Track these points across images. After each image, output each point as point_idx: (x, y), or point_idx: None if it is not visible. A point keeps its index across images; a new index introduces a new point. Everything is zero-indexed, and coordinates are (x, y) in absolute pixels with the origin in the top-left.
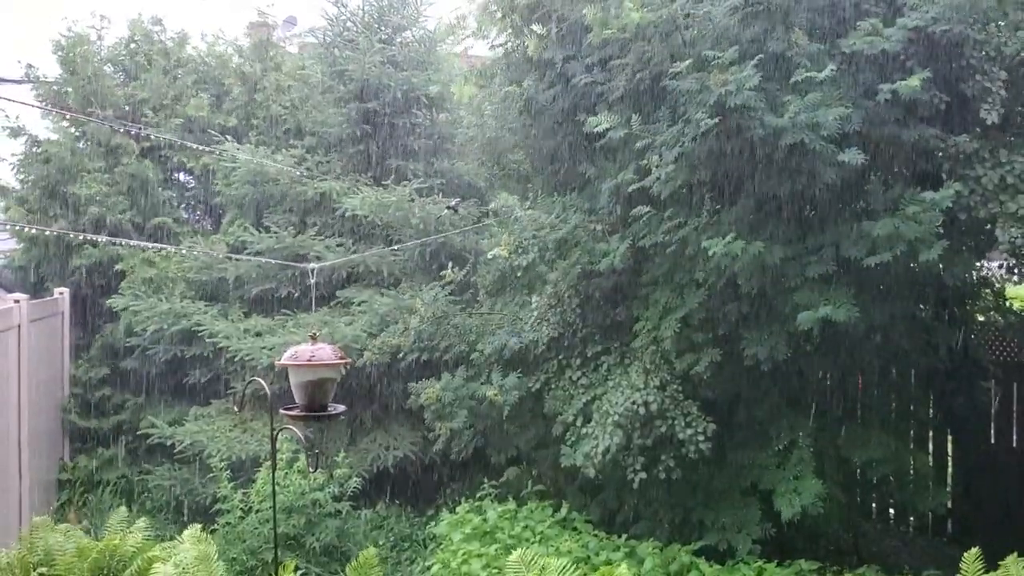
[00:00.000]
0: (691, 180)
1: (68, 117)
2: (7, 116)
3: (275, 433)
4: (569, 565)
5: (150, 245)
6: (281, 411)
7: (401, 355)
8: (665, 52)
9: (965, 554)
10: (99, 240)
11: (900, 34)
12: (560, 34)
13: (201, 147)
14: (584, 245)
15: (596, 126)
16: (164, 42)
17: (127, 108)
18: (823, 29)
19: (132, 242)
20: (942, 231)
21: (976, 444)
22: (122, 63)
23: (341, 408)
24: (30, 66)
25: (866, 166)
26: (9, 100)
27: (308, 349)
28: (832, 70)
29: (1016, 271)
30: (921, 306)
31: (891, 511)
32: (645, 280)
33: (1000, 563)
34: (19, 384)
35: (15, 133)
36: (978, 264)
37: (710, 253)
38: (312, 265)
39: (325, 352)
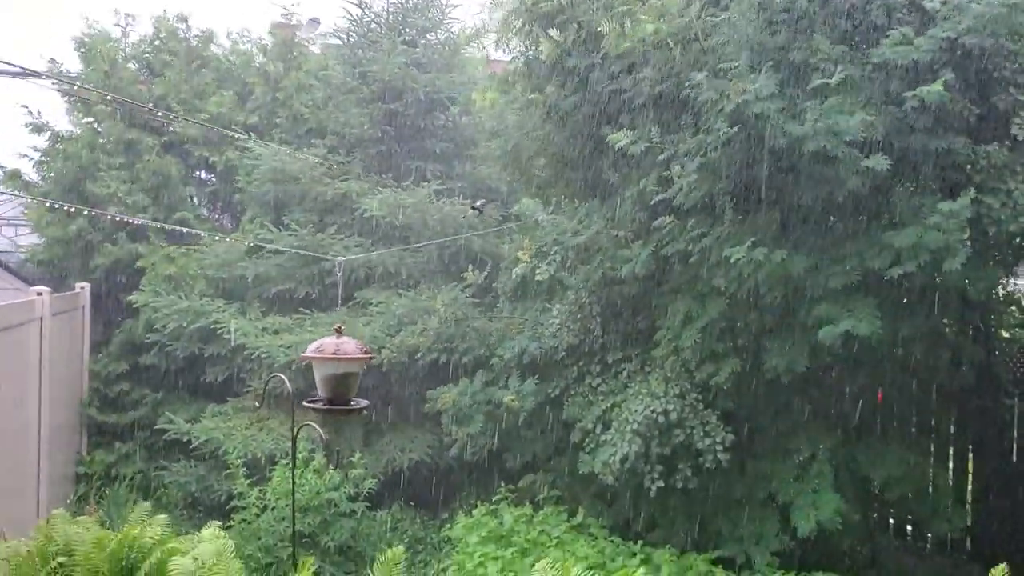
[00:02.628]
0: (713, 190)
1: (95, 106)
2: (30, 112)
3: (295, 431)
4: (586, 572)
5: (155, 225)
6: (304, 403)
7: (419, 355)
8: (686, 61)
9: (993, 570)
10: (124, 219)
11: (931, 43)
12: (581, 42)
13: (231, 133)
14: (606, 251)
15: (617, 142)
16: (189, 40)
17: (149, 105)
18: (850, 35)
19: (146, 222)
20: (968, 243)
21: (997, 462)
22: (145, 60)
23: (363, 403)
24: (53, 60)
25: (892, 176)
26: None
27: (333, 342)
28: (843, 74)
29: None
30: (945, 321)
31: (909, 527)
32: (666, 289)
33: None
34: (40, 377)
35: (38, 128)
36: (1004, 280)
37: (732, 260)
38: (339, 258)
39: (350, 346)
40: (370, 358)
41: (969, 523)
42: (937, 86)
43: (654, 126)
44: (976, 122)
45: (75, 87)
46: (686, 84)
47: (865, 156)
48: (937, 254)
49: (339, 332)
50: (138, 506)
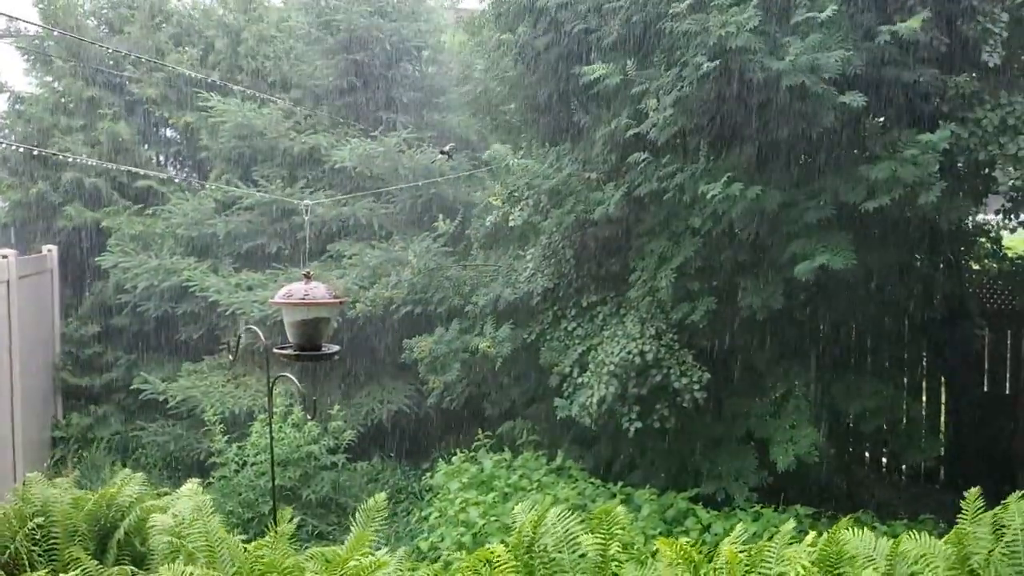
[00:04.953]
0: (688, 125)
1: (54, 64)
2: None
3: (272, 383)
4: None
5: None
6: (274, 350)
7: (394, 307)
8: None
9: (967, 492)
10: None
11: None
12: None
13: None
14: (579, 194)
15: (591, 75)
16: None
17: (110, 63)
18: None
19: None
20: (940, 174)
21: (969, 392)
22: (105, 16)
23: (335, 348)
24: (11, 18)
25: (866, 109)
26: None
27: (302, 287)
28: (834, 10)
29: (1012, 216)
30: (917, 255)
31: (883, 459)
32: (641, 230)
33: (1003, 502)
34: (10, 340)
35: None
36: (974, 210)
37: (708, 196)
38: (306, 202)
39: (319, 291)
40: (341, 303)
41: (942, 453)
42: (915, 22)
43: (629, 60)
44: (946, 52)
45: (35, 42)
46: (665, 16)
47: (840, 92)
48: (913, 187)
49: (308, 278)
50: (116, 468)
